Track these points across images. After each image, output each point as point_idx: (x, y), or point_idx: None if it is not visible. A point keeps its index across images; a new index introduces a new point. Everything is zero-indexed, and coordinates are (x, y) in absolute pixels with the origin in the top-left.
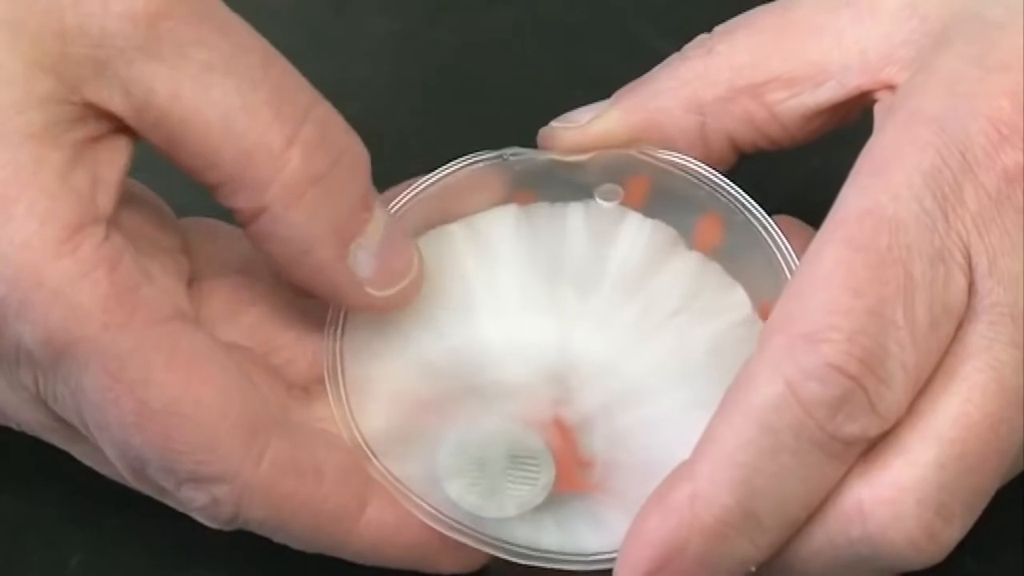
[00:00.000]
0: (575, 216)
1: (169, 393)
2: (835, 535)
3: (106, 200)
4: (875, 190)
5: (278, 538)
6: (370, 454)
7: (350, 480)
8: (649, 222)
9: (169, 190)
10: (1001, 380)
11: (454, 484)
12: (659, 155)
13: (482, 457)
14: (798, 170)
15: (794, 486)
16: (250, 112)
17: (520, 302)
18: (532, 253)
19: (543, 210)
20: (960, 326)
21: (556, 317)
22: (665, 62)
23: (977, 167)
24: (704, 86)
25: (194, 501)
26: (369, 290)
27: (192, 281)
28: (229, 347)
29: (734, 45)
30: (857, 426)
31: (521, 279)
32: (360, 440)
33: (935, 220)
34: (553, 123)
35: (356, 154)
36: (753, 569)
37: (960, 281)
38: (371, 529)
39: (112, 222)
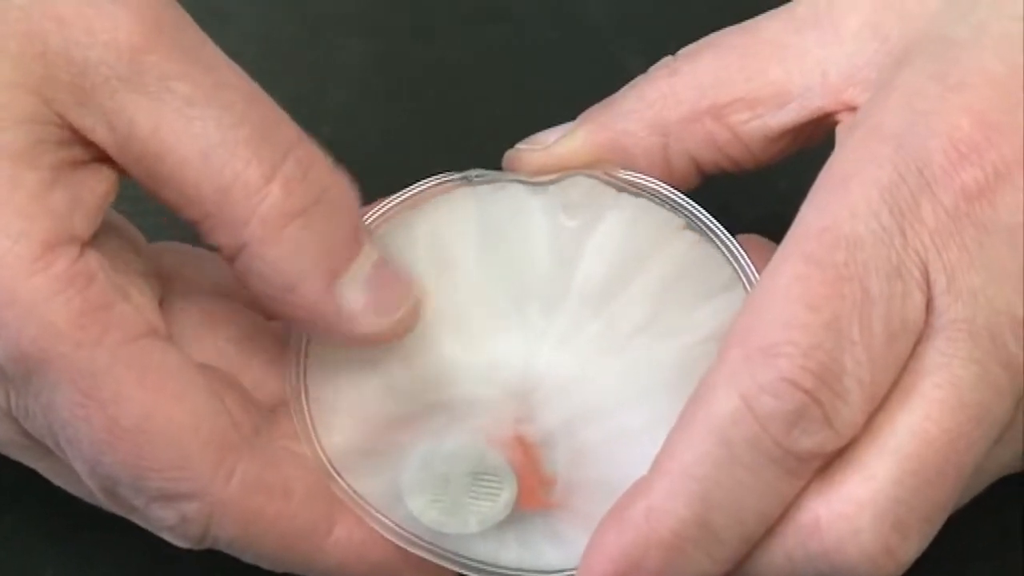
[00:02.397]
0: (539, 233)
1: (140, 411)
2: (793, 550)
3: (84, 222)
4: (833, 207)
5: (247, 557)
6: (332, 471)
7: (318, 499)
8: (614, 240)
9: (142, 214)
10: (960, 396)
11: (416, 500)
12: (622, 176)
13: (444, 474)
14: (766, 192)
15: (751, 500)
16: (229, 148)
17: (483, 320)
18: (496, 271)
19: (508, 226)
20: (918, 342)
21: (519, 335)
22: (631, 83)
23: (935, 184)
24: (668, 107)
25: (163, 520)
26: (362, 323)
27: (163, 302)
28: (200, 367)
29: (698, 66)
30: (813, 441)
31: (484, 297)
32: (323, 457)
33: (892, 236)
34: (518, 145)
35: (339, 192)
36: None
37: (917, 297)
38: (339, 547)
39: (89, 243)
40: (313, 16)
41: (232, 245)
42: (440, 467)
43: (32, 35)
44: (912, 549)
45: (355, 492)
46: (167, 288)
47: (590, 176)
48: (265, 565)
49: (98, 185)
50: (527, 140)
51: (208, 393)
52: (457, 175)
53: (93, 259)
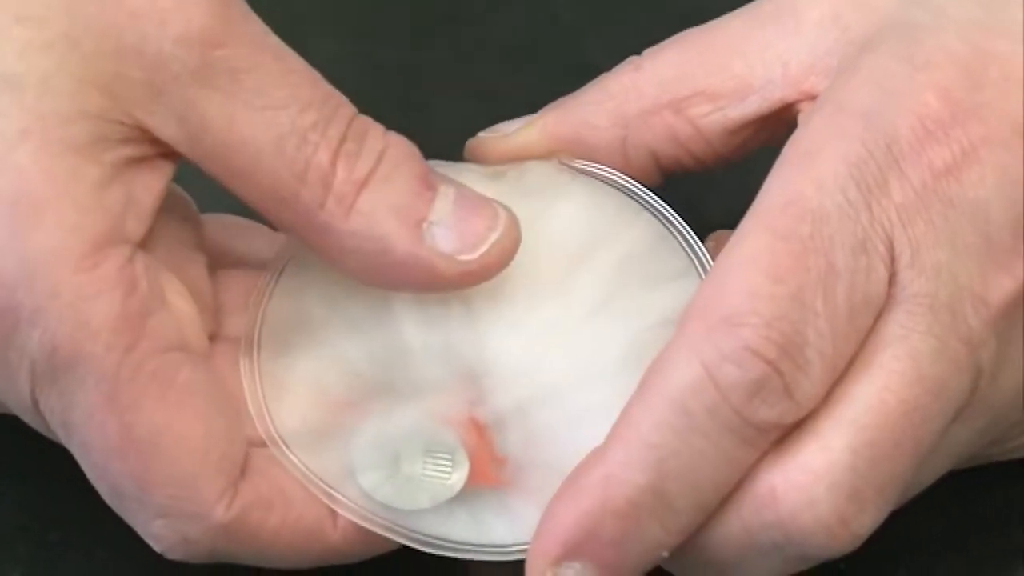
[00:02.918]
0: None
1: (155, 424)
2: (748, 520)
3: (136, 223)
4: (799, 180)
5: (262, 564)
6: (285, 449)
7: (317, 497)
8: (569, 226)
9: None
10: (918, 369)
11: (369, 477)
12: (577, 165)
13: (397, 452)
14: (738, 190)
15: (708, 470)
16: (300, 135)
17: (438, 303)
18: None
19: None
20: (880, 315)
21: (473, 319)
22: (596, 79)
23: (903, 161)
24: (629, 100)
25: (164, 540)
26: (461, 258)
27: (211, 272)
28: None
29: (661, 62)
30: (773, 412)
31: None
32: (275, 435)
33: (858, 211)
34: (480, 134)
35: (397, 149)
36: (666, 554)
37: (881, 272)
38: (347, 534)
39: (140, 243)
40: (289, 16)
41: (313, 230)
42: (392, 445)
43: (107, 31)
44: (867, 520)
45: (309, 469)
46: (217, 259)
47: (547, 164)
48: (280, 567)
49: (154, 182)
50: (489, 129)
51: (227, 416)
52: None
53: (140, 264)
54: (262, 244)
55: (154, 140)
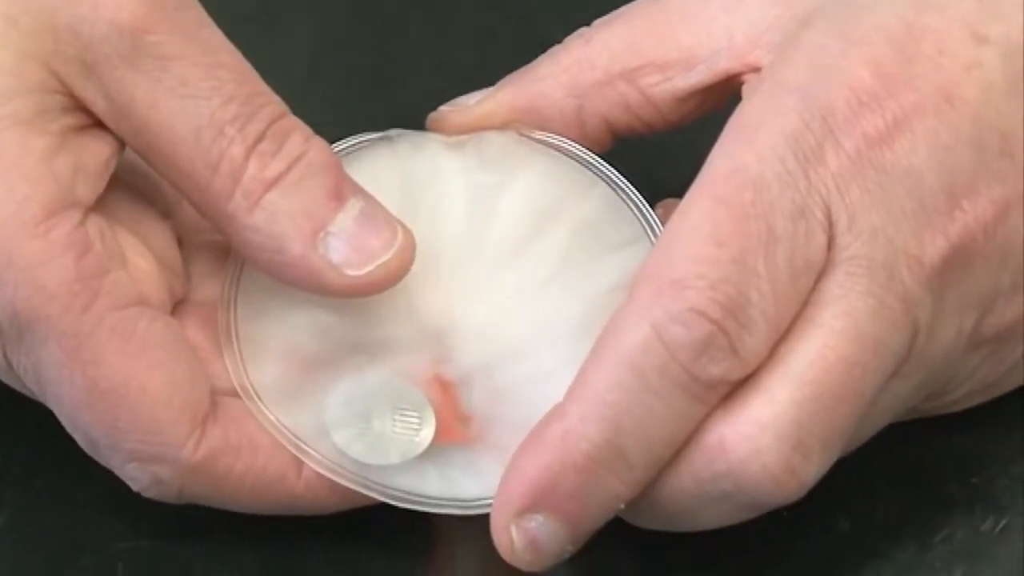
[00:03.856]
0: (456, 188)
1: (119, 376)
2: (699, 471)
3: (86, 187)
4: (741, 152)
5: (228, 508)
6: (262, 406)
7: (284, 447)
8: (526, 195)
9: None
10: (857, 327)
11: (341, 434)
12: (535, 135)
13: (367, 410)
14: (689, 159)
15: (660, 425)
16: (218, 127)
17: None
18: (415, 224)
19: (426, 182)
20: (820, 278)
21: (437, 282)
22: (548, 51)
23: (838, 131)
24: (582, 71)
25: (138, 480)
26: (348, 272)
27: (183, 242)
28: (208, 306)
29: (611, 33)
30: (719, 369)
31: None
32: (252, 393)
33: (797, 179)
34: (442, 107)
35: (315, 156)
36: (623, 505)
37: (820, 236)
38: (311, 486)
39: (93, 206)
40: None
41: (221, 217)
42: (362, 403)
43: (43, 11)
44: (812, 469)
45: (284, 426)
46: (188, 228)
47: (505, 135)
48: (245, 511)
49: (102, 150)
50: (449, 103)
51: (188, 365)
52: (378, 134)
53: (93, 226)
54: None
55: (92, 111)
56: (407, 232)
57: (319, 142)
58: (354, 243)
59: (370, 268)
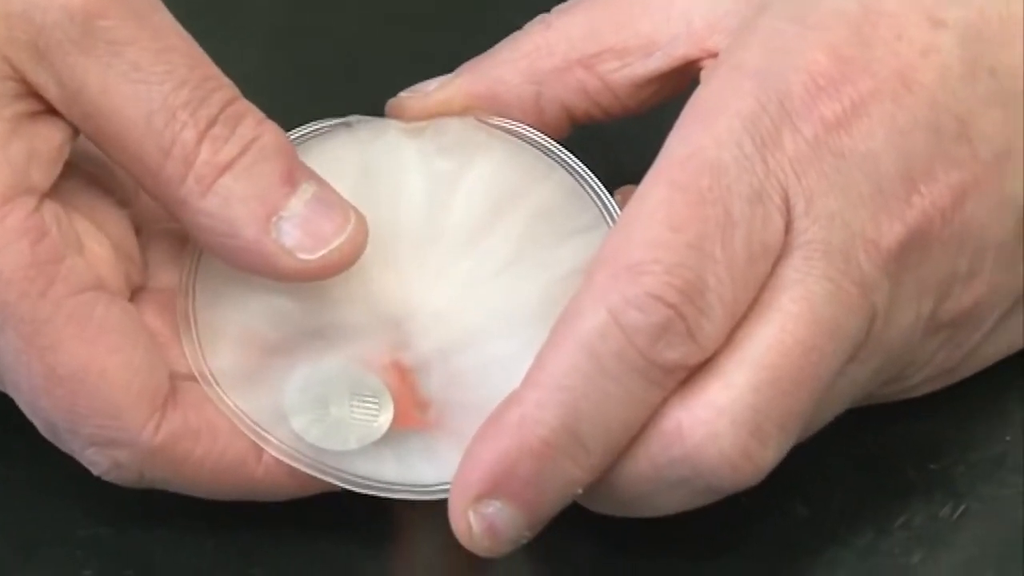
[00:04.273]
0: (414, 174)
1: (76, 361)
2: (656, 456)
3: (40, 173)
4: (698, 136)
5: (188, 492)
6: (219, 392)
7: (243, 432)
8: (484, 181)
9: None
10: (813, 310)
11: (299, 419)
12: (494, 121)
13: (325, 395)
14: (651, 145)
15: (617, 410)
16: (170, 112)
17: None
18: (373, 209)
19: (384, 168)
20: (777, 262)
21: (395, 268)
22: (508, 37)
23: (795, 115)
24: (541, 57)
25: (98, 464)
26: (300, 256)
27: (141, 230)
28: (166, 293)
29: (570, 20)
30: (676, 353)
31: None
32: (210, 378)
33: (754, 163)
34: (401, 93)
35: (268, 141)
36: (580, 491)
37: (777, 220)
38: (270, 471)
39: (48, 193)
40: None
41: (173, 201)
42: (320, 388)
43: None
44: (769, 454)
45: (242, 411)
46: (143, 214)
47: (463, 121)
48: (206, 497)
49: (55, 136)
50: (409, 89)
51: (146, 349)
52: (337, 120)
53: (49, 211)
54: None
55: (44, 97)
56: (360, 217)
57: (271, 126)
58: (307, 227)
59: (323, 252)
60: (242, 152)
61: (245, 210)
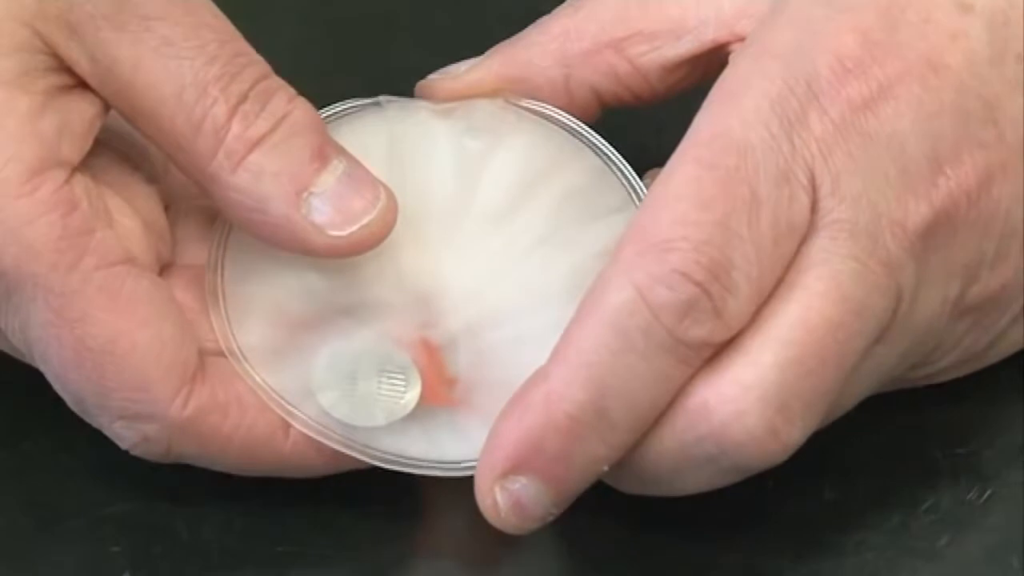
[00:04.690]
0: (444, 154)
1: (106, 333)
2: (683, 434)
3: (71, 147)
4: (726, 116)
5: (216, 468)
6: (248, 367)
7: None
8: (514, 162)
9: None
10: (840, 289)
11: (327, 395)
12: (523, 103)
13: (353, 372)
14: (676, 129)
15: (643, 387)
16: (201, 87)
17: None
18: (403, 188)
19: (414, 147)
20: (803, 241)
21: (424, 247)
22: (538, 21)
23: (822, 96)
24: (570, 40)
25: (126, 438)
26: (331, 232)
27: (170, 204)
28: (194, 270)
29: (601, 3)
30: (702, 330)
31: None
32: (238, 354)
33: (781, 144)
34: (431, 75)
35: (298, 117)
36: (606, 468)
37: (803, 200)
38: (299, 447)
39: (79, 167)
40: None
41: (203, 177)
42: (348, 365)
43: None
44: (795, 432)
45: (270, 387)
46: (173, 191)
47: (493, 102)
48: (234, 472)
49: (86, 110)
50: (439, 71)
51: (176, 323)
52: (368, 100)
53: (79, 185)
54: None
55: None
56: (390, 194)
57: (302, 103)
58: (337, 204)
59: (353, 229)
60: (273, 128)
61: (275, 186)
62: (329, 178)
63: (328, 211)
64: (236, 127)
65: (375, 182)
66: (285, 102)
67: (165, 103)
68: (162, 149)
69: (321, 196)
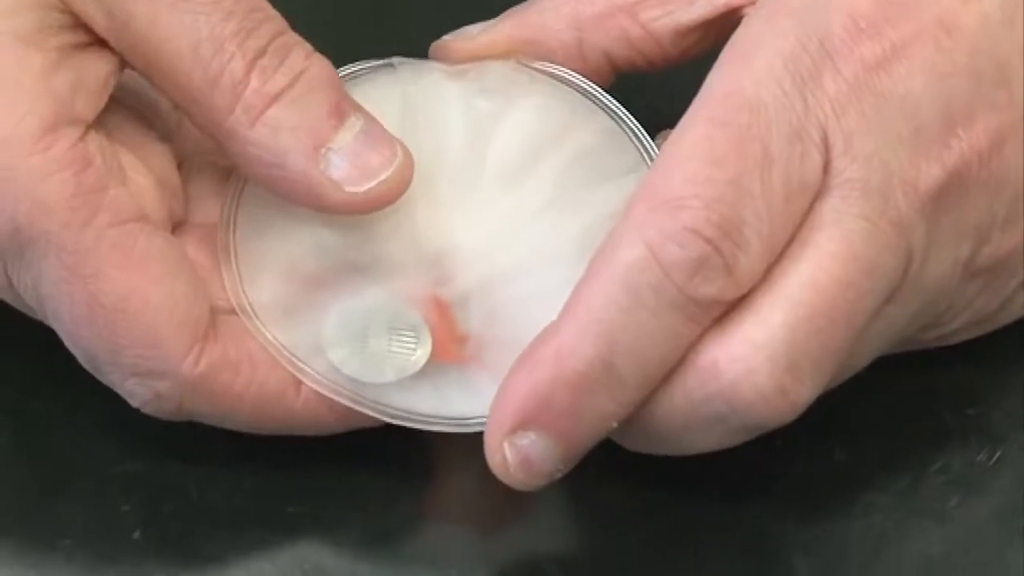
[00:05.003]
0: (456, 115)
1: (119, 290)
2: (692, 392)
3: (85, 104)
4: (738, 74)
5: (227, 426)
6: (258, 323)
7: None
8: (526, 123)
9: None
10: (851, 248)
11: (337, 351)
12: (535, 65)
13: (364, 328)
14: (689, 92)
15: (653, 344)
16: (217, 42)
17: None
18: (415, 149)
19: (426, 108)
20: (815, 200)
21: (436, 205)
22: None
23: (836, 55)
24: (583, 4)
25: (139, 395)
26: (348, 188)
27: (182, 165)
28: (206, 227)
29: None
30: (713, 288)
31: None
32: (249, 310)
33: (794, 102)
34: (445, 37)
35: (316, 73)
36: (615, 425)
37: (816, 159)
38: (310, 404)
39: (93, 124)
40: None
41: (220, 132)
42: (359, 322)
43: None
44: (804, 391)
45: (279, 342)
46: (186, 148)
47: (506, 64)
48: (245, 430)
49: (101, 68)
50: (453, 33)
51: (188, 280)
52: (380, 61)
53: (93, 142)
54: None
55: (92, 28)
56: (406, 151)
57: (320, 59)
58: (354, 160)
59: (370, 185)
60: (291, 83)
61: (294, 141)
62: (347, 134)
63: (346, 167)
64: (254, 82)
65: (392, 139)
66: (303, 58)
67: (181, 58)
68: (178, 104)
69: (339, 152)
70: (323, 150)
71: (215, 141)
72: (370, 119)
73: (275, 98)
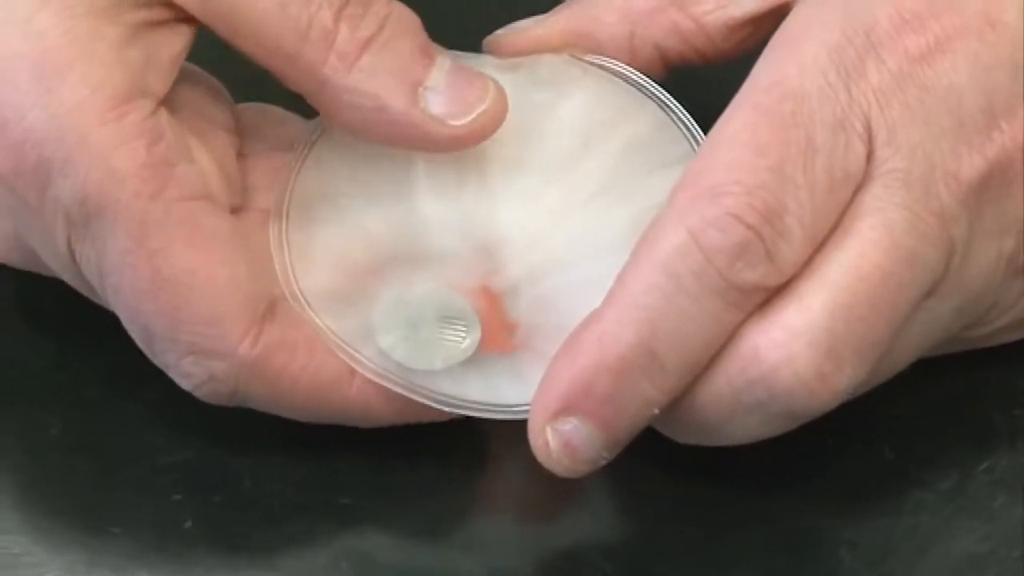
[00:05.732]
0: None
1: (183, 265)
2: (733, 378)
3: (157, 80)
4: (783, 63)
5: (280, 411)
6: (308, 309)
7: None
8: (577, 114)
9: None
10: (892, 237)
11: (387, 338)
12: (587, 58)
13: (414, 316)
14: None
15: (695, 330)
16: None
17: (455, 179)
18: None
19: None
20: (857, 190)
21: (487, 195)
22: None
23: (880, 47)
24: None
25: (194, 376)
26: (451, 123)
27: (240, 155)
28: (263, 215)
29: None
30: (755, 274)
31: (458, 158)
32: (300, 297)
33: (838, 92)
34: (498, 31)
35: (401, 15)
36: (656, 411)
37: (859, 149)
38: (364, 393)
39: (164, 101)
40: None
41: (315, 84)
42: (409, 310)
43: None
44: (845, 379)
45: (332, 331)
46: (246, 143)
47: (558, 57)
48: (297, 417)
49: (173, 45)
50: (506, 27)
51: (250, 260)
52: None
53: (164, 118)
54: (294, 132)
55: (170, 4)
56: (497, 83)
57: (400, 5)
58: (452, 95)
59: (472, 116)
60: (379, 28)
61: (392, 82)
62: (439, 73)
63: (445, 102)
64: (344, 30)
65: (481, 74)
66: (384, 3)
67: (269, 18)
68: (270, 67)
69: (435, 89)
70: (420, 89)
71: (309, 96)
72: (456, 57)
73: (366, 44)
